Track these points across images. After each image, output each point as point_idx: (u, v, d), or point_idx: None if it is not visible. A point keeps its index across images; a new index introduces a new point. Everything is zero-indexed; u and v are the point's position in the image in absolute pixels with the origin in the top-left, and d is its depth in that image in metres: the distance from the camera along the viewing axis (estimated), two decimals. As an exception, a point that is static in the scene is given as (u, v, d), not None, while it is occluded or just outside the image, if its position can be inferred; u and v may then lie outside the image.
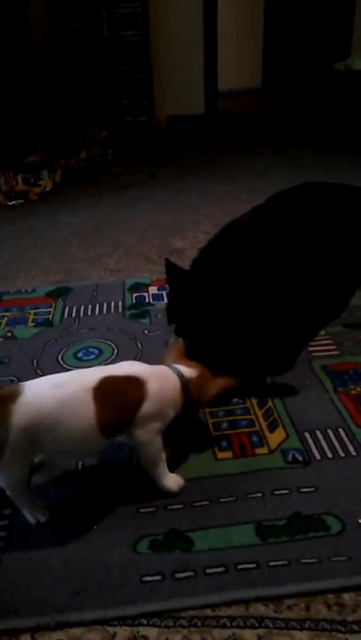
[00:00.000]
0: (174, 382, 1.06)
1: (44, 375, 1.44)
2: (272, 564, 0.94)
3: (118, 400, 0.99)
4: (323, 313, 1.45)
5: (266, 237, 1.36)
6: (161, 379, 1.05)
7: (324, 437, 1.22)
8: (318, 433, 1.24)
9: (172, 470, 1.11)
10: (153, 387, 1.01)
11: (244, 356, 1.38)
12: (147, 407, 1.00)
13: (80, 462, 1.19)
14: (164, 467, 1.08)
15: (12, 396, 0.94)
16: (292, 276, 1.33)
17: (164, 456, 1.07)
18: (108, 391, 0.98)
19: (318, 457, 1.17)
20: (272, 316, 1.33)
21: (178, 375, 1.07)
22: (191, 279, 1.35)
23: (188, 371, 1.09)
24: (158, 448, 1.05)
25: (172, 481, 1.09)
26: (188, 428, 1.27)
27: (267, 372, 1.46)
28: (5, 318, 1.82)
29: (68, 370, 1.49)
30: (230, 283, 1.29)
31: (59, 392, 0.96)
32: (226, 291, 1.29)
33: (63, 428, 0.95)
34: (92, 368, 1.05)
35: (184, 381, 1.06)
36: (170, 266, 1.36)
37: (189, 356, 1.19)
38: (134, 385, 1.01)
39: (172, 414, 1.06)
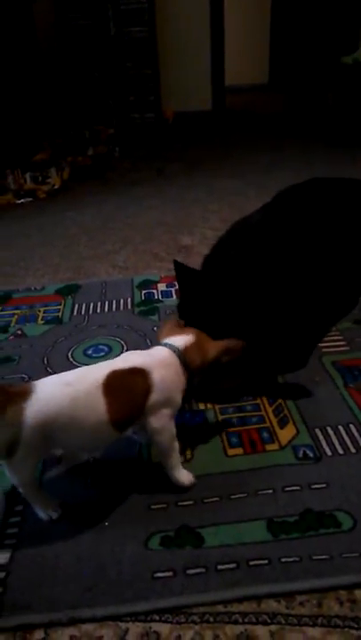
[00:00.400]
0: (175, 364, 1.06)
1: (54, 372, 1.45)
2: (284, 560, 0.94)
3: (127, 394, 1.00)
4: (335, 309, 1.44)
5: (277, 235, 1.35)
6: (162, 365, 1.04)
7: (335, 433, 1.22)
8: (329, 429, 1.23)
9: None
10: (157, 376, 1.02)
11: (257, 354, 1.38)
12: (154, 397, 1.01)
13: (91, 459, 1.19)
14: (177, 458, 1.09)
15: (24, 394, 0.94)
16: (303, 274, 1.32)
17: (177, 446, 1.08)
18: (116, 386, 0.99)
19: (329, 453, 1.17)
20: (284, 314, 1.32)
21: (174, 352, 1.06)
22: (203, 278, 1.34)
23: (183, 340, 1.09)
24: (171, 435, 1.06)
25: (184, 475, 1.10)
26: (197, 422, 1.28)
27: (279, 370, 1.46)
28: (15, 316, 1.82)
29: (77, 367, 1.50)
30: (242, 281, 1.29)
31: (71, 389, 0.97)
32: (238, 289, 1.28)
33: (76, 425, 0.95)
34: (99, 364, 1.05)
35: (181, 355, 1.06)
36: (179, 266, 1.35)
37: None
38: (140, 377, 1.01)
39: (179, 398, 1.06)
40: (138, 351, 1.11)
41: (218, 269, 1.33)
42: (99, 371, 1.01)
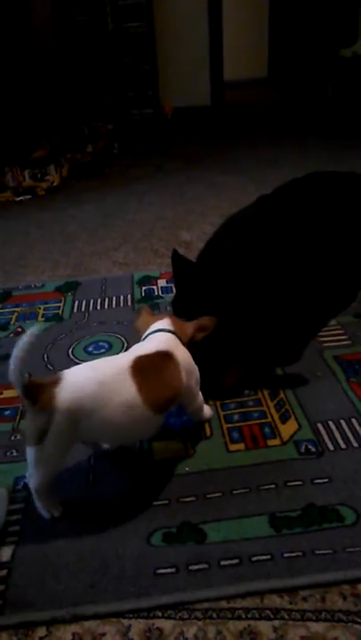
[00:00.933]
0: (180, 343, 1.12)
1: (54, 370, 1.45)
2: (287, 555, 0.94)
3: (159, 375, 1.04)
4: (331, 303, 1.44)
5: (273, 227, 1.34)
6: (176, 346, 1.10)
7: (337, 428, 1.21)
8: (331, 424, 1.23)
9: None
10: (179, 355, 1.08)
11: (252, 346, 1.37)
12: (186, 375, 1.08)
13: (92, 456, 1.19)
14: (204, 408, 1.22)
15: (55, 382, 0.96)
16: (299, 267, 1.32)
17: (202, 398, 1.19)
18: (145, 368, 1.02)
19: (332, 448, 1.16)
20: (279, 307, 1.31)
21: (173, 334, 1.13)
22: (198, 270, 1.34)
23: (169, 323, 1.15)
24: (201, 398, 1.18)
25: (208, 411, 1.24)
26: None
27: (274, 363, 1.45)
28: (15, 314, 1.82)
29: (78, 364, 1.50)
30: (238, 274, 1.28)
31: (97, 374, 0.99)
32: (233, 282, 1.28)
33: (105, 410, 0.96)
34: (121, 354, 1.10)
35: (177, 335, 1.13)
36: (177, 257, 1.34)
37: (197, 346, 1.21)
38: (168, 359, 1.06)
39: (196, 367, 1.13)
40: (142, 343, 1.13)
41: (213, 262, 1.32)
42: (123, 357, 1.05)
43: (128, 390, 0.98)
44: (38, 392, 0.93)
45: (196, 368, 1.13)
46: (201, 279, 1.31)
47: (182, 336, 1.14)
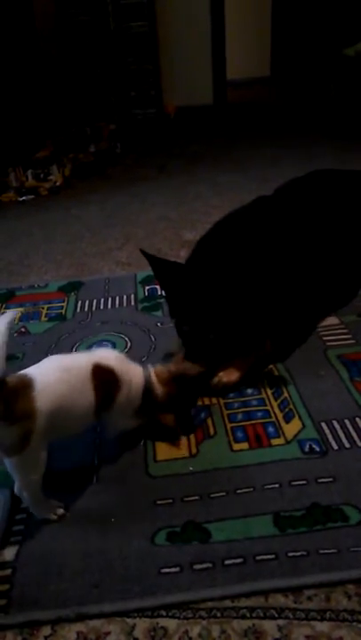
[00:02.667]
0: (140, 388, 1.14)
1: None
2: (291, 554, 0.94)
3: (106, 390, 1.07)
4: (330, 301, 1.43)
5: (271, 224, 1.34)
6: (131, 372, 1.13)
7: (341, 427, 1.21)
8: (335, 423, 1.22)
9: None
10: (124, 391, 1.10)
11: (244, 344, 1.36)
12: (116, 407, 1.09)
13: (96, 456, 1.19)
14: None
15: (28, 384, 0.96)
16: (295, 264, 1.31)
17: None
18: (101, 377, 1.05)
19: (336, 447, 1.16)
20: (273, 307, 1.31)
21: (145, 378, 1.15)
22: (188, 271, 1.31)
23: (160, 373, 1.18)
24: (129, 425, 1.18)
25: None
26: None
27: (267, 361, 1.44)
28: (19, 313, 1.82)
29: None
30: (231, 272, 1.27)
31: (67, 375, 1.01)
32: (226, 281, 1.26)
33: (72, 411, 1.00)
34: (81, 353, 1.16)
35: (148, 380, 1.15)
36: (155, 260, 1.30)
37: (191, 348, 1.24)
38: (114, 376, 1.09)
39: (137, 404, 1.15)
40: (115, 353, 1.17)
41: (206, 260, 1.31)
42: (85, 360, 1.08)
43: (89, 392, 1.03)
44: (10, 396, 0.92)
45: (135, 402, 1.14)
46: (192, 279, 1.29)
47: (159, 391, 1.16)
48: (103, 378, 1.06)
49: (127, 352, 1.55)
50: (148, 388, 1.15)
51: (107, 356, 1.13)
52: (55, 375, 1.01)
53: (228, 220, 1.40)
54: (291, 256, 1.31)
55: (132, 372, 1.14)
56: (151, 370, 1.18)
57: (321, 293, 1.38)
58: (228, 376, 1.35)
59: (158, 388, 1.16)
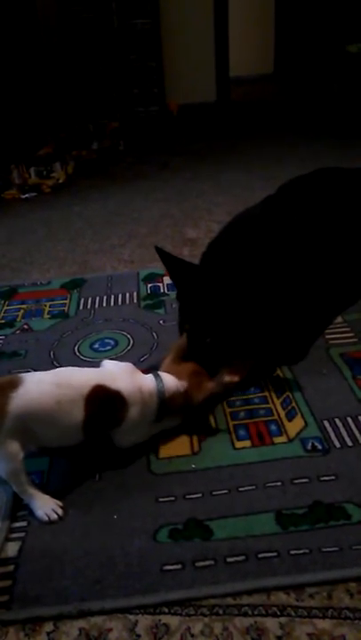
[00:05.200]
0: (153, 402, 1.13)
1: (61, 367, 1.45)
2: (293, 552, 0.94)
3: (104, 411, 1.07)
4: (337, 302, 1.43)
5: (279, 226, 1.34)
6: (142, 398, 1.11)
7: (343, 425, 1.21)
8: (338, 421, 1.22)
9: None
10: (134, 410, 1.10)
11: (258, 346, 1.37)
12: (125, 425, 1.10)
13: (99, 453, 1.19)
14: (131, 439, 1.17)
15: (13, 386, 0.98)
16: (305, 265, 1.31)
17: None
18: (97, 400, 1.05)
19: (338, 445, 1.16)
20: (286, 306, 1.31)
21: (158, 392, 1.14)
22: (202, 272, 1.32)
23: (173, 384, 1.16)
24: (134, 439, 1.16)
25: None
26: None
27: (279, 362, 1.44)
28: (21, 310, 1.82)
29: (85, 361, 1.50)
30: (243, 274, 1.27)
31: (58, 392, 1.02)
32: (239, 282, 1.27)
33: (54, 425, 1.02)
34: (86, 370, 1.13)
35: (162, 399, 1.14)
36: (167, 257, 1.31)
37: (200, 350, 1.24)
38: (119, 403, 1.08)
39: (145, 431, 1.16)
40: (126, 369, 1.15)
41: (218, 262, 1.31)
42: (85, 380, 1.07)
43: (77, 412, 1.03)
44: None
45: (142, 431, 1.15)
46: (206, 279, 1.30)
47: (177, 401, 1.16)
48: (102, 399, 1.06)
49: (129, 350, 1.55)
50: (161, 399, 1.14)
51: (113, 375, 1.12)
52: (43, 387, 1.03)
53: (239, 221, 1.40)
54: (303, 256, 1.31)
55: (144, 387, 1.13)
56: (163, 379, 1.16)
57: (333, 292, 1.38)
58: (231, 376, 1.35)
59: (173, 399, 1.15)
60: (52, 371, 1.10)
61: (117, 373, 1.13)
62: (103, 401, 1.07)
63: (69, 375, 1.10)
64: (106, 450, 1.17)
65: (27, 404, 0.98)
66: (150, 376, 1.17)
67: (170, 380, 1.17)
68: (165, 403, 1.14)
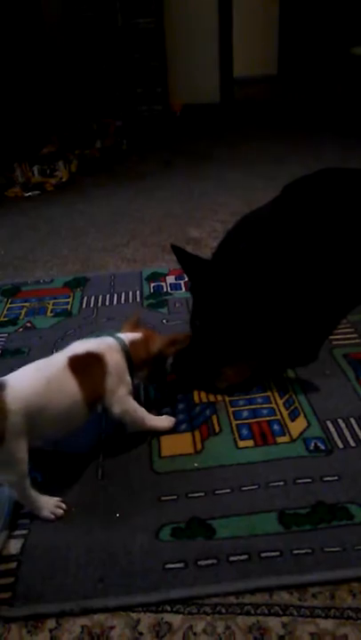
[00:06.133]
0: (121, 354, 1.16)
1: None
2: (296, 552, 0.94)
3: (89, 374, 1.09)
4: (346, 302, 1.43)
5: (287, 227, 1.34)
6: (110, 350, 1.14)
7: (346, 426, 1.21)
8: (341, 422, 1.22)
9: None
10: (109, 360, 1.12)
11: (267, 347, 1.37)
12: (110, 379, 1.11)
13: (102, 451, 1.19)
14: (150, 419, 1.19)
15: (2, 385, 0.98)
16: (314, 266, 1.31)
17: (144, 413, 1.18)
18: (80, 367, 1.07)
19: (341, 446, 1.16)
20: (295, 307, 1.31)
21: (119, 343, 1.17)
22: (214, 270, 1.33)
23: (130, 336, 1.21)
24: (135, 411, 1.16)
25: (164, 422, 1.22)
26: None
27: (290, 364, 1.45)
28: (25, 308, 1.82)
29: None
30: (253, 274, 1.27)
31: (41, 374, 1.04)
32: (249, 282, 1.27)
33: (52, 407, 1.01)
34: (57, 353, 1.14)
35: (125, 347, 1.17)
36: (184, 255, 1.33)
37: (206, 347, 1.25)
38: (96, 361, 1.11)
39: (129, 379, 1.16)
40: (79, 343, 1.17)
41: (228, 262, 1.32)
42: (60, 356, 1.10)
43: (71, 387, 1.05)
44: None
45: (126, 380, 1.15)
46: (217, 279, 1.30)
47: (140, 352, 1.19)
48: (82, 362, 1.08)
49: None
50: (126, 350, 1.17)
51: (79, 344, 1.15)
52: (26, 376, 1.04)
53: (249, 222, 1.40)
54: (312, 256, 1.31)
55: (108, 342, 1.16)
56: (119, 335, 1.20)
57: (343, 292, 1.38)
58: (234, 377, 1.35)
59: (136, 350, 1.18)
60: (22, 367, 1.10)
61: (81, 342, 1.16)
62: (83, 363, 1.09)
63: (44, 359, 1.11)
64: (109, 447, 1.17)
65: (20, 396, 0.97)
66: (107, 336, 1.19)
67: (125, 335, 1.21)
68: (130, 353, 1.17)
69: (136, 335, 1.22)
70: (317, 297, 1.32)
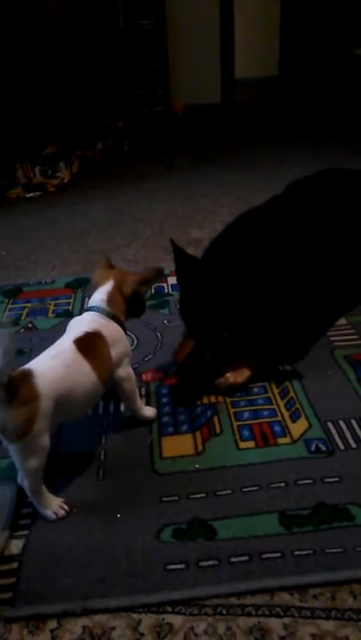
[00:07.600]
0: (108, 321, 1.17)
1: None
2: (297, 553, 0.94)
3: (97, 352, 1.12)
4: (340, 302, 1.43)
5: (281, 224, 1.34)
6: (100, 322, 1.16)
7: (347, 427, 1.21)
8: (342, 423, 1.22)
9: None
10: (105, 331, 1.14)
11: (257, 343, 1.37)
12: (115, 350, 1.14)
13: (102, 451, 1.19)
14: (139, 399, 1.26)
15: (29, 373, 0.99)
16: (307, 264, 1.31)
17: (137, 391, 1.23)
18: (88, 348, 1.10)
19: (342, 447, 1.16)
20: (285, 304, 1.31)
21: (102, 313, 1.18)
22: (204, 267, 1.33)
23: (103, 294, 1.20)
24: (133, 380, 1.21)
25: (149, 411, 1.27)
26: None
27: (279, 361, 1.44)
28: (26, 309, 1.83)
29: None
30: (244, 271, 1.27)
31: (59, 360, 1.06)
32: (240, 279, 1.27)
33: (76, 390, 1.05)
34: (60, 339, 1.14)
35: (108, 312, 1.18)
36: (179, 252, 1.34)
37: (200, 344, 1.26)
38: (97, 337, 1.13)
39: (128, 345, 1.21)
40: (73, 326, 1.18)
41: (219, 260, 1.32)
42: (66, 342, 1.11)
43: (87, 368, 1.08)
44: (16, 384, 0.95)
45: (124, 344, 1.18)
46: (207, 276, 1.31)
47: (118, 301, 1.20)
48: (91, 348, 1.10)
49: (134, 349, 1.55)
50: (118, 319, 1.19)
51: (77, 327, 1.16)
52: (49, 364, 1.05)
53: (242, 220, 1.41)
54: (306, 255, 1.31)
55: (103, 321, 1.17)
56: (103, 303, 1.19)
57: (335, 292, 1.38)
58: (235, 377, 1.35)
59: (120, 308, 1.21)
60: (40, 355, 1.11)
61: (77, 323, 1.18)
62: (88, 343, 1.11)
63: (52, 348, 1.11)
64: (110, 448, 1.17)
65: (50, 381, 1.00)
66: (90, 312, 1.19)
67: (100, 298, 1.20)
68: (116, 315, 1.19)
69: (108, 288, 1.21)
70: (309, 295, 1.32)
